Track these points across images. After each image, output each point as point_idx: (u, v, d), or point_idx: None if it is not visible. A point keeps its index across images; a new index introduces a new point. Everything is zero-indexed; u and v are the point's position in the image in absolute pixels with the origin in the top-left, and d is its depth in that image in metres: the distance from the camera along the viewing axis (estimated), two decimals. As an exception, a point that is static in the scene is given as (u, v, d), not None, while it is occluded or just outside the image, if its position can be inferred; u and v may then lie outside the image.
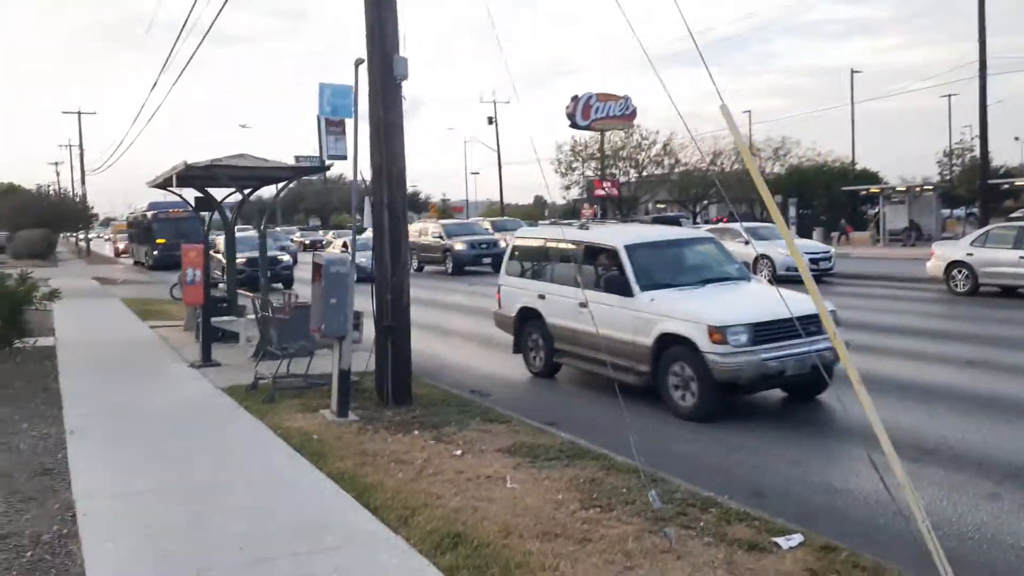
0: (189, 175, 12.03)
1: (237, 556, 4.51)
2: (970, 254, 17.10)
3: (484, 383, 10.07)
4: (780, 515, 5.22)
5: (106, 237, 77.91)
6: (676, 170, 61.86)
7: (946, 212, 41.60)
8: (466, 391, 9.28)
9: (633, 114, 58.42)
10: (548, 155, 62.72)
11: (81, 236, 65.23)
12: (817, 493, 6.03)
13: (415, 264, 29.44)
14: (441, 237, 29.95)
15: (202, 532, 4.92)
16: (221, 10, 14.49)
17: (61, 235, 64.17)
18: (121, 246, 53.77)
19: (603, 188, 57.36)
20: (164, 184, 13.25)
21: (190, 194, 13.87)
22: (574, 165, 62.16)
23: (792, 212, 39.13)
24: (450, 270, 28.88)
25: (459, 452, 6.59)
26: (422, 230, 31.32)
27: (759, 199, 50.15)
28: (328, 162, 11.08)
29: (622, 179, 60.58)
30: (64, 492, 5.70)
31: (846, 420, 7.34)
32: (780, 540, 4.72)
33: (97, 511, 5.24)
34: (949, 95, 55.61)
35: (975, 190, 30.92)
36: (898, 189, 38.08)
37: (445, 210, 78.68)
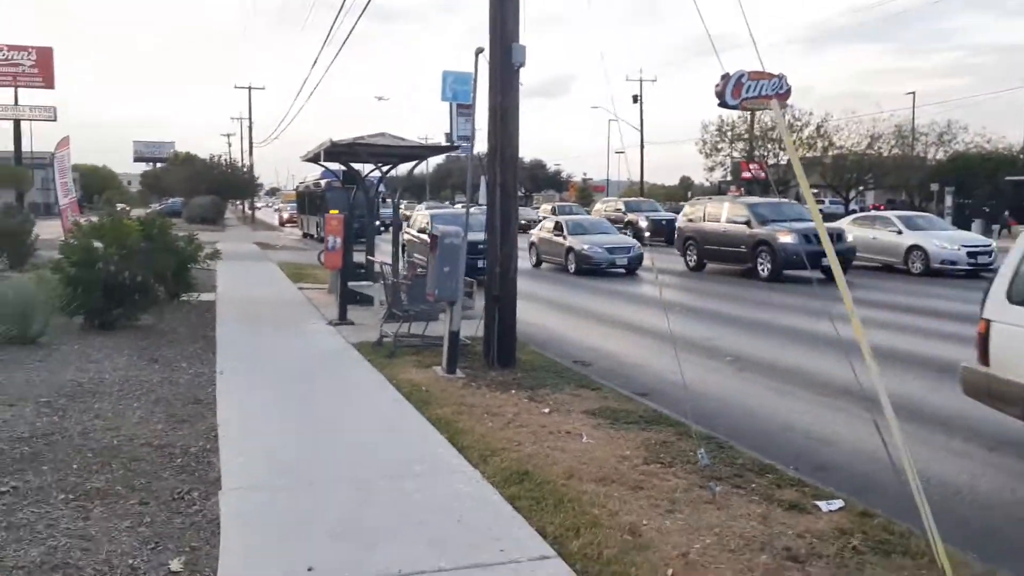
0: (335, 151, 13.22)
1: (342, 474, 5.40)
2: None
3: (593, 355, 10.67)
4: (841, 487, 5.55)
5: (275, 207, 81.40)
6: (830, 153, 59.52)
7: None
8: (569, 360, 9.93)
9: (788, 93, 56.64)
10: (694, 135, 61.86)
11: (248, 204, 70.32)
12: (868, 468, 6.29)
13: (694, 262, 22.98)
14: (748, 223, 21.05)
15: (316, 454, 5.85)
16: None
17: (230, 203, 69.36)
18: (286, 215, 56.91)
19: (750, 170, 56.12)
20: (314, 159, 14.56)
21: (338, 168, 15.18)
22: (720, 146, 60.94)
23: (948, 201, 37.01)
24: (767, 274, 19.95)
25: (547, 410, 7.26)
26: (711, 214, 22.78)
27: (919, 186, 47.59)
28: (457, 142, 11.92)
29: (771, 161, 58.92)
30: (211, 418, 6.81)
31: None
32: (821, 503, 5.09)
33: (234, 434, 6.28)
34: None
35: None
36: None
37: (585, 189, 79.07)
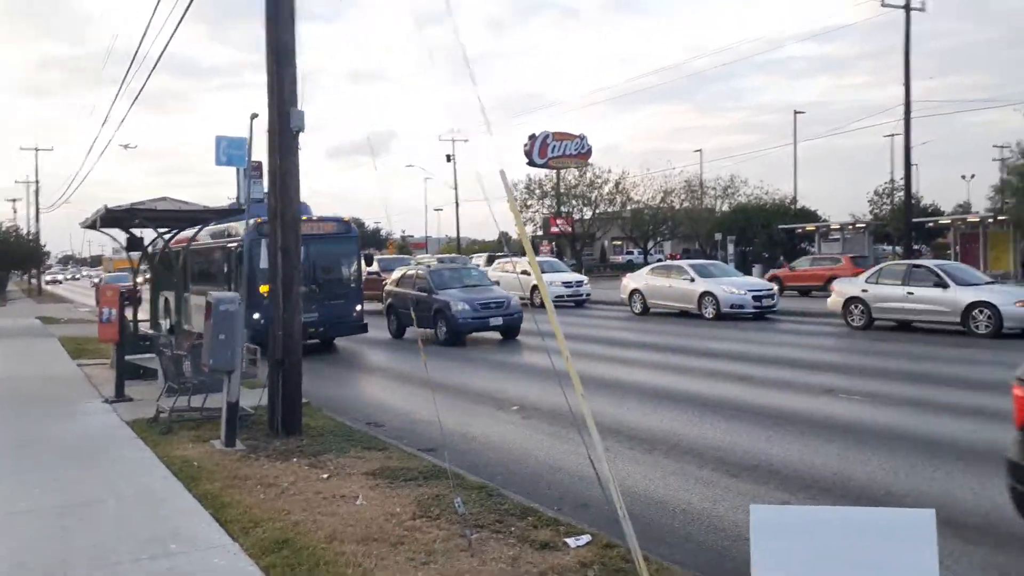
0: (112, 217, 12.65)
1: (87, 561, 5.14)
2: (865, 290, 18.22)
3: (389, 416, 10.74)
4: (596, 521, 5.94)
5: (93, 278, 67.98)
6: (628, 207, 63.54)
7: (888, 248, 43.28)
8: (362, 423, 9.95)
9: (588, 152, 60.13)
10: (503, 193, 63.90)
11: (33, 275, 64.80)
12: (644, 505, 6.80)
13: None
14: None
15: (63, 543, 5.53)
16: (168, 42, 14.95)
17: (12, 274, 63.70)
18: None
19: (558, 225, 58.76)
20: (92, 226, 13.85)
21: (120, 236, 14.50)
22: (529, 202, 63.41)
23: (731, 249, 40.43)
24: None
25: (326, 476, 7.24)
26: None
27: (707, 236, 51.68)
28: (244, 205, 11.80)
29: (576, 216, 61.97)
30: (-51, 513, 6.26)
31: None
32: (571, 540, 5.44)
33: (-26, 528, 5.81)
34: (892, 134, 57.95)
35: (900, 228, 32.46)
36: (832, 227, 39.62)
37: (404, 246, 79.42)
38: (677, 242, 66.76)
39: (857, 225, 39.96)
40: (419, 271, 20.95)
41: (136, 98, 64.51)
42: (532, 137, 57.49)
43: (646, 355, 15.93)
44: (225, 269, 18.54)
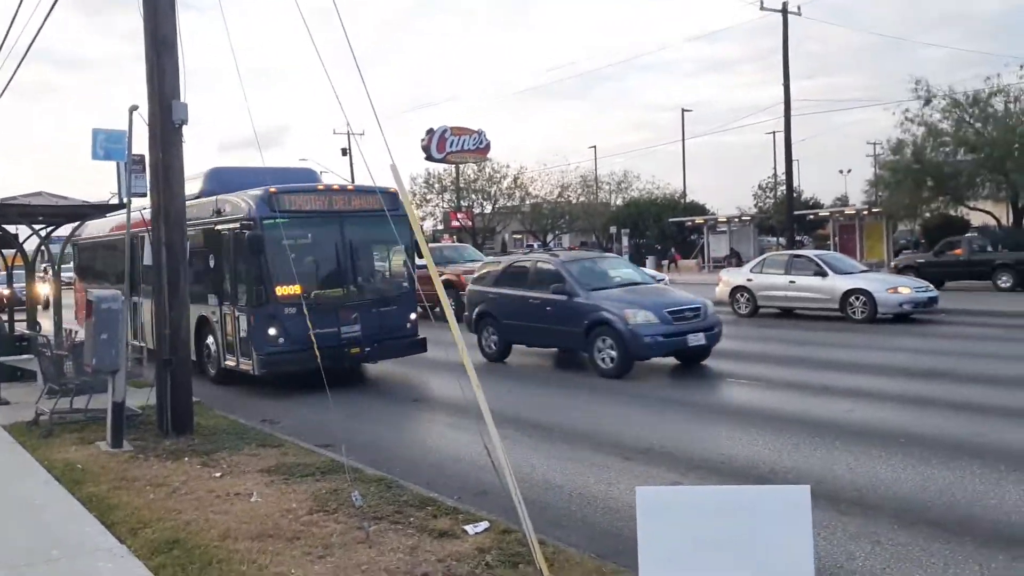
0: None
1: (-42, 573, 4.86)
2: (750, 279, 19.05)
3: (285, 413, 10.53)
4: (495, 508, 6.00)
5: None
6: (527, 202, 64.15)
7: (772, 240, 45.20)
8: (257, 420, 9.73)
9: (487, 148, 60.19)
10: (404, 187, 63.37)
11: None
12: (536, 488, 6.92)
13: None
14: None
15: (-69, 556, 5.20)
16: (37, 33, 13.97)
17: None
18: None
19: (458, 219, 58.74)
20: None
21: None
22: (428, 197, 63.11)
23: (625, 242, 41.47)
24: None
25: (219, 474, 7.07)
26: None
27: (603, 229, 52.81)
28: (126, 199, 11.29)
29: (476, 211, 62.09)
30: None
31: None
32: (469, 527, 5.50)
33: None
34: (774, 132, 60.54)
35: (783, 220, 33.99)
36: (719, 220, 41.12)
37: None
38: (575, 235, 67.86)
39: (743, 218, 41.62)
40: (538, 263, 14.04)
41: (4, 89, 60.48)
42: (430, 132, 57.06)
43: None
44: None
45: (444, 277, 20.77)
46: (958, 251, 24.42)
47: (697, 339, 12.07)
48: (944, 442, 7.84)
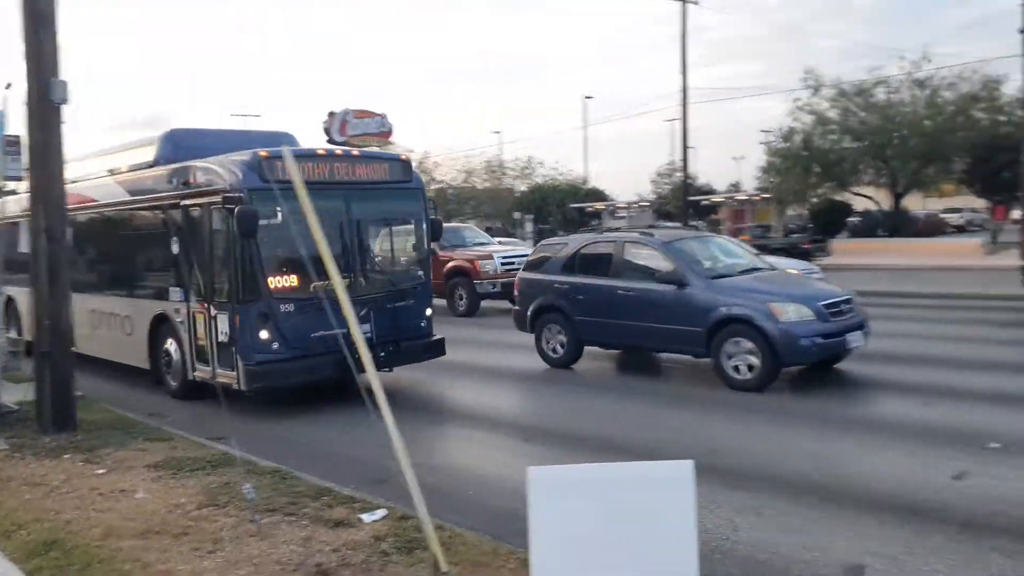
0: None
1: None
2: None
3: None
4: (393, 496, 5.93)
5: None
6: (432, 186, 63.82)
7: (670, 224, 46.33)
8: (144, 414, 9.35)
9: (390, 131, 59.38)
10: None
11: None
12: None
13: None
14: None
15: None
16: None
17: None
18: None
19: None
20: None
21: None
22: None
23: (528, 227, 41.76)
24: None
25: (103, 471, 6.77)
26: None
27: (507, 214, 53.08)
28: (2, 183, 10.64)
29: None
30: None
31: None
32: (365, 516, 5.46)
33: None
34: (672, 119, 62.02)
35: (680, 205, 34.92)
36: (619, 206, 41.89)
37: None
38: (480, 220, 67.98)
39: (641, 203, 42.50)
40: (626, 244, 11.18)
41: None
42: (331, 114, 55.51)
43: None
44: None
45: (453, 264, 18.83)
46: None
47: (856, 339, 9.78)
48: (818, 415, 8.25)
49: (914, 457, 6.78)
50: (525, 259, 13.42)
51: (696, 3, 31.93)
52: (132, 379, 11.22)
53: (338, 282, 4.35)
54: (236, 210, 8.60)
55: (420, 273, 10.65)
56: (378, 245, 10.53)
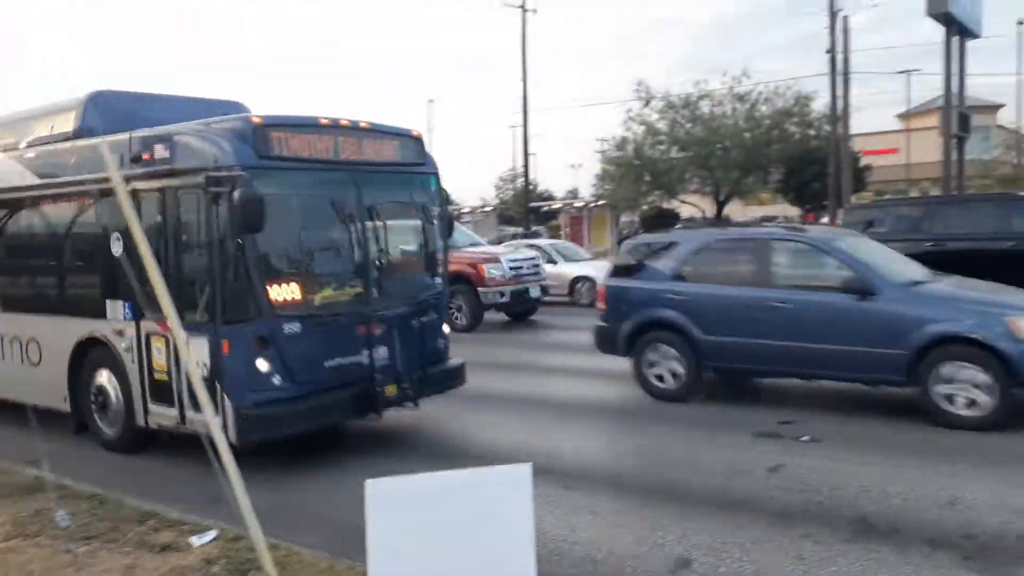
0: None
1: None
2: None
3: None
4: (228, 516, 5.66)
5: None
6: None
7: (511, 230, 47.17)
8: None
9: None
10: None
11: None
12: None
13: None
14: None
15: None
16: None
17: None
18: None
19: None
20: None
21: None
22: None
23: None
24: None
25: None
26: None
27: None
28: None
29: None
30: None
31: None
32: (195, 538, 5.20)
33: None
34: (514, 126, 63.32)
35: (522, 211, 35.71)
36: (463, 210, 42.24)
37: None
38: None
39: (485, 208, 43.03)
40: (772, 242, 8.98)
41: None
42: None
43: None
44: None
45: (452, 268, 13.48)
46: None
47: None
48: (651, 413, 8.66)
49: (732, 450, 7.25)
50: (610, 265, 11.20)
51: (535, 11, 32.99)
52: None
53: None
54: (237, 196, 6.35)
55: (438, 280, 8.40)
56: (395, 245, 8.18)
